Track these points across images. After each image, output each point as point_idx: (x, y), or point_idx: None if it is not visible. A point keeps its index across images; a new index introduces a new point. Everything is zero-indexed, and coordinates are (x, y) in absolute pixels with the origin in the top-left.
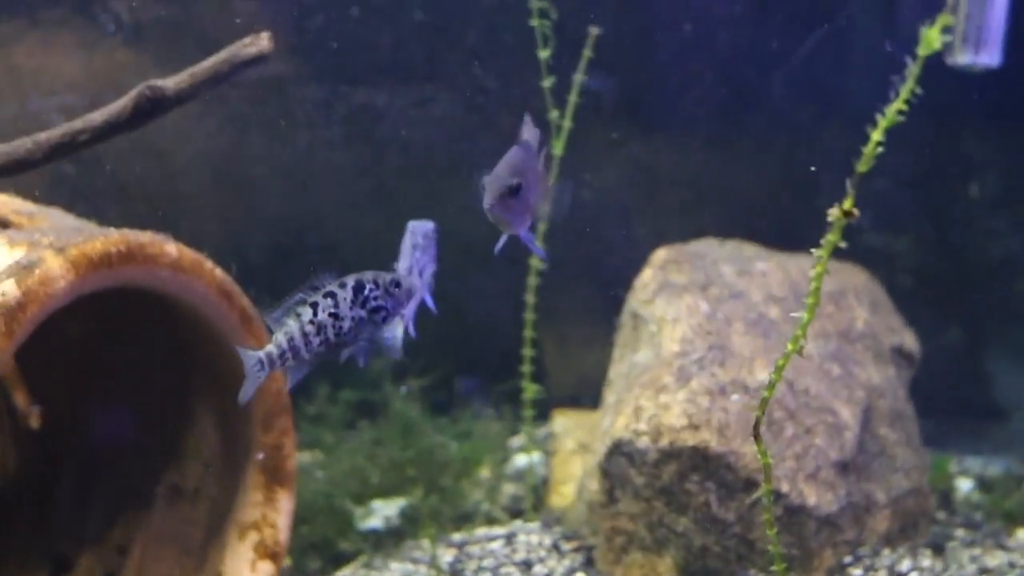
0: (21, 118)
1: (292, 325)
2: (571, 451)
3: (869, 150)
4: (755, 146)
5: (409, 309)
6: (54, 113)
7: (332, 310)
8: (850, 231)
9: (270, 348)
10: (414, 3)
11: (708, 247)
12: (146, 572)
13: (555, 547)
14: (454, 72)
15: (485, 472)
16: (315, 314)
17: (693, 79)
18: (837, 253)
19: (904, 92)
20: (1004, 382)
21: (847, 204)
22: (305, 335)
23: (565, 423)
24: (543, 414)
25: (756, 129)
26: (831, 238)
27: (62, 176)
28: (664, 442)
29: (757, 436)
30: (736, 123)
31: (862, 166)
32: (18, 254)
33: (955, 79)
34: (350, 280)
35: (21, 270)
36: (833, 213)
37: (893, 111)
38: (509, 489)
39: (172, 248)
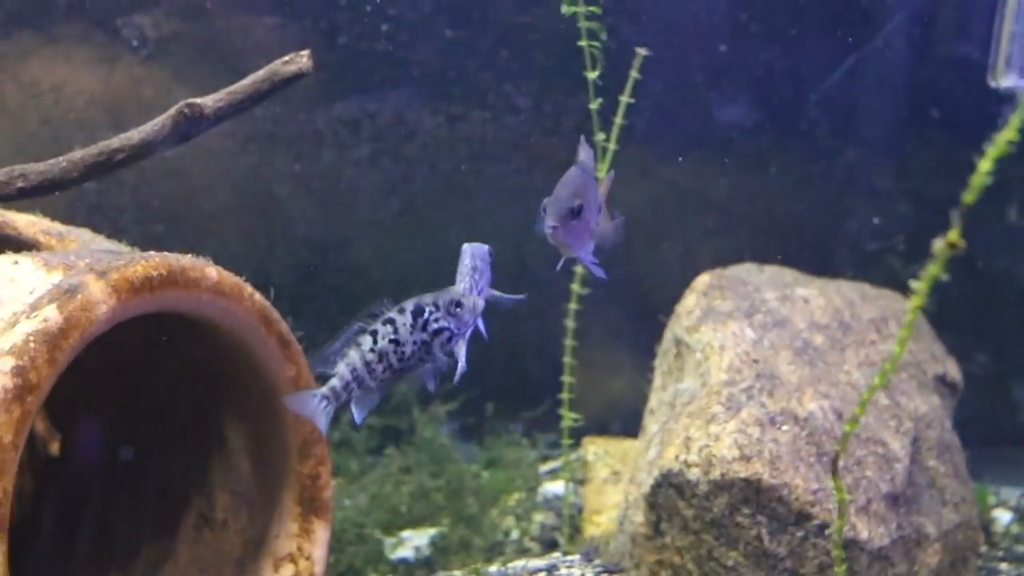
0: (39, 135)
1: (353, 355)
2: (604, 480)
3: (977, 181)
4: (785, 169)
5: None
6: (73, 130)
7: (392, 336)
8: (871, 258)
9: (334, 383)
10: (444, 20)
11: (748, 272)
12: None
13: None
14: (485, 90)
15: (513, 500)
16: (375, 342)
17: (725, 100)
18: (867, 279)
19: (1015, 121)
20: None
21: (953, 235)
22: (367, 364)
23: (596, 451)
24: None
25: (787, 152)
26: (934, 270)
27: (81, 194)
28: (715, 474)
29: (835, 472)
30: (767, 145)
31: (969, 197)
32: (56, 278)
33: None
34: (409, 304)
35: (62, 295)
36: (938, 244)
37: (1003, 141)
38: (537, 517)
39: (213, 272)
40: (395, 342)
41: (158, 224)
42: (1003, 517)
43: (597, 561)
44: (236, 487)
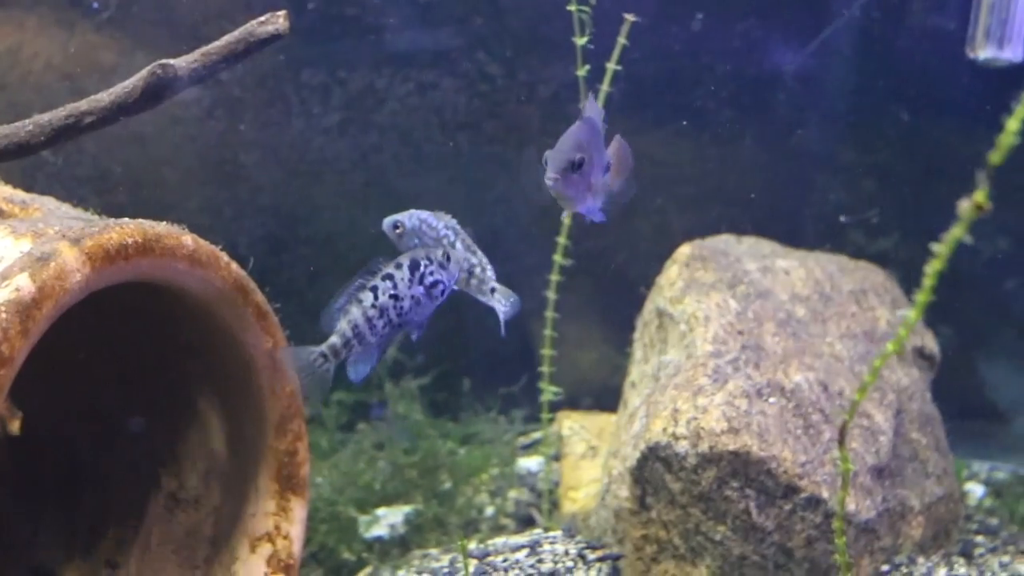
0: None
1: (355, 312)
2: (580, 455)
3: (1005, 141)
4: (757, 141)
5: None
6: (31, 96)
7: (392, 291)
8: (837, 230)
9: (333, 340)
10: None
11: (727, 243)
12: None
13: (581, 556)
14: (458, 58)
15: (488, 477)
16: (376, 298)
17: (702, 72)
18: (844, 252)
19: None
20: (1003, 385)
21: (979, 197)
22: (368, 320)
23: (572, 425)
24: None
25: (759, 124)
26: (956, 233)
27: (40, 162)
28: (704, 447)
29: (842, 442)
30: (738, 118)
31: (996, 157)
32: (24, 245)
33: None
34: (405, 260)
35: (35, 262)
36: (963, 206)
37: None
38: (512, 494)
39: (189, 240)
40: (394, 297)
41: (120, 193)
42: (976, 490)
43: (579, 537)
44: (209, 464)
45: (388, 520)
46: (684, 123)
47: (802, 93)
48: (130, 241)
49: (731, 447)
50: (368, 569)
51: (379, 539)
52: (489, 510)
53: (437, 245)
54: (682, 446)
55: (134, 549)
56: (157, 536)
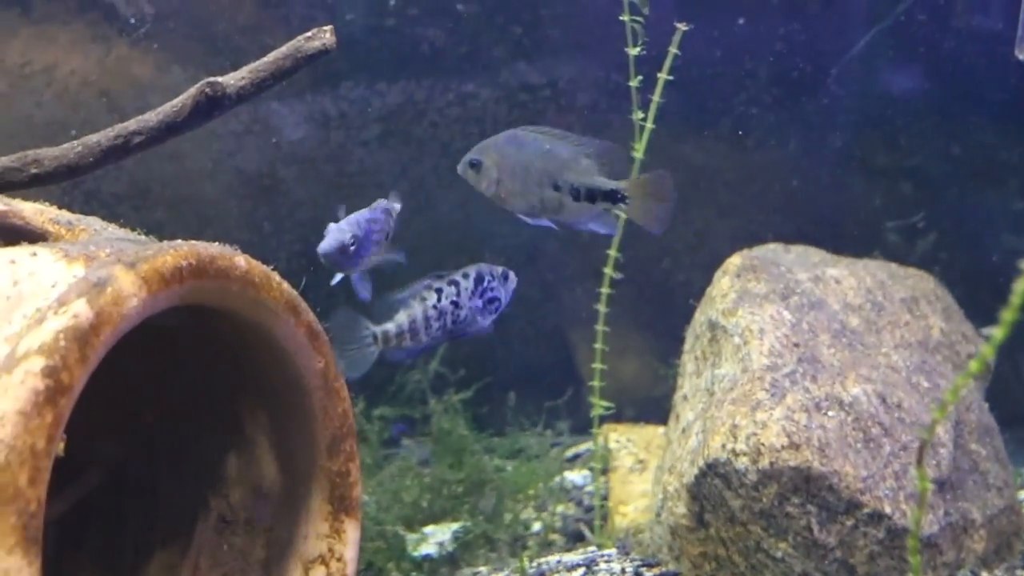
0: (31, 119)
1: (416, 308)
2: (629, 469)
3: None
4: (801, 146)
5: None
6: (67, 113)
7: (454, 298)
8: (872, 232)
9: (388, 326)
10: None
11: (775, 253)
12: None
13: (637, 575)
14: (497, 67)
15: (535, 492)
16: (439, 300)
17: (743, 77)
18: (894, 258)
19: None
20: None
21: None
22: (427, 319)
23: (619, 438)
24: (585, 428)
25: (804, 128)
26: None
27: (77, 180)
28: (764, 463)
29: (921, 461)
30: (779, 123)
31: None
32: (78, 270)
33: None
34: (472, 270)
35: (91, 288)
36: None
37: None
38: (558, 509)
39: (242, 261)
40: (455, 304)
41: (158, 210)
42: None
43: (633, 555)
44: (259, 486)
45: (436, 538)
46: (724, 129)
47: (845, 97)
48: (184, 264)
49: (792, 463)
50: None
51: (428, 557)
52: (536, 526)
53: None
54: (742, 462)
55: (182, 572)
56: (207, 559)
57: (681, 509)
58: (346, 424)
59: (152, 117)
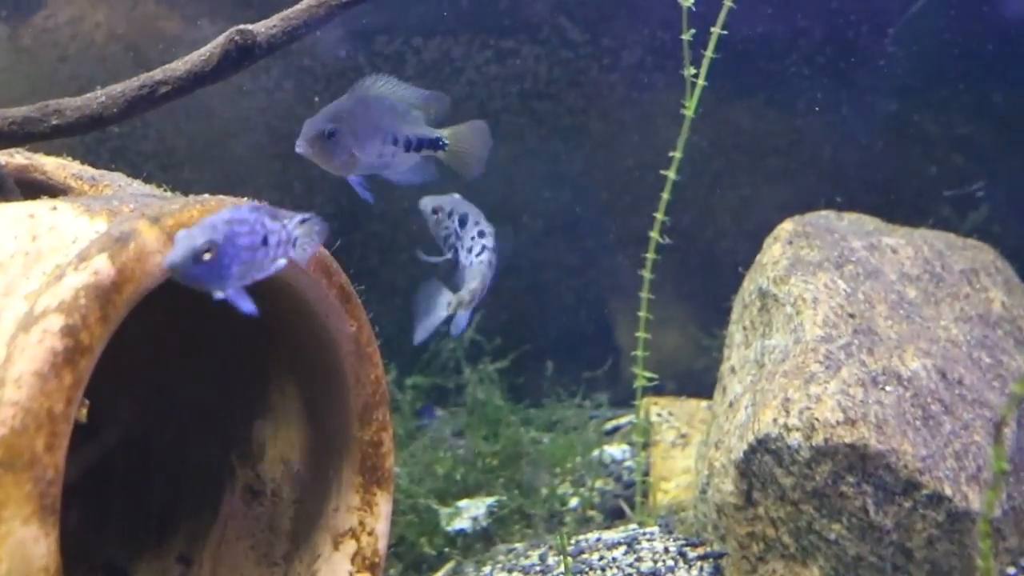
0: (57, 73)
1: (486, 272)
2: (670, 443)
3: None
4: (853, 110)
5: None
6: (94, 67)
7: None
8: (927, 202)
9: (463, 293)
10: None
11: (828, 220)
12: None
13: (681, 554)
14: (539, 23)
15: (572, 467)
16: (483, 252)
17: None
18: (950, 229)
19: None
20: None
21: None
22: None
23: (659, 411)
24: (624, 400)
25: (856, 92)
26: None
27: (103, 137)
28: (818, 439)
29: (999, 439)
30: (838, 85)
31: None
32: (100, 225)
33: None
34: (455, 216)
35: (114, 244)
36: None
37: None
38: (596, 484)
39: None
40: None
41: (185, 169)
42: None
43: (676, 533)
44: (288, 455)
45: (470, 512)
46: (773, 91)
47: (902, 59)
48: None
49: (848, 439)
50: (451, 564)
51: (462, 532)
52: (573, 501)
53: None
54: (794, 438)
55: (208, 544)
56: (233, 530)
57: (728, 486)
58: (379, 391)
59: (179, 66)
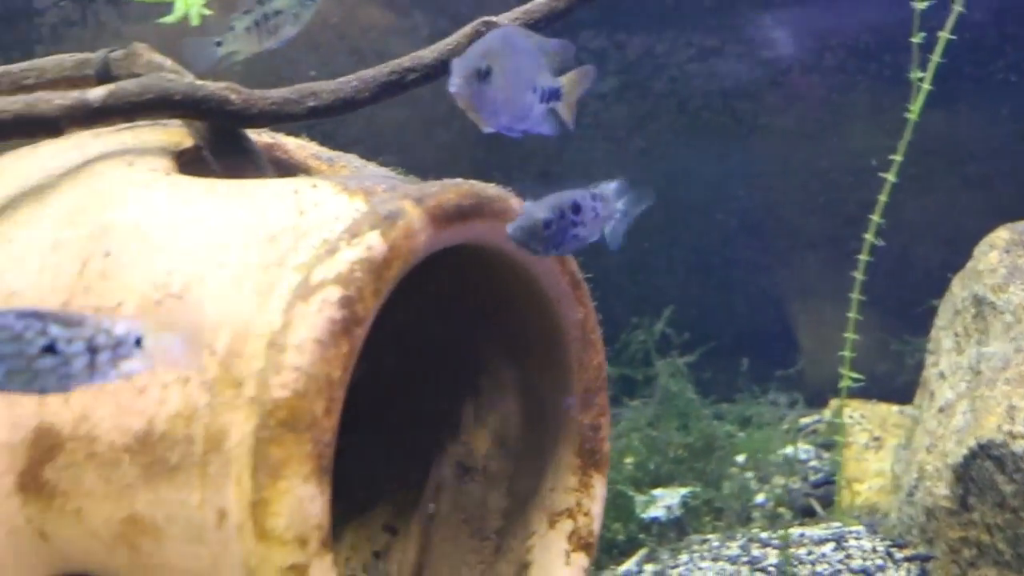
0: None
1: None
2: (863, 446)
3: None
4: None
5: None
6: (307, 53)
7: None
8: None
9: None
10: None
11: None
12: (430, 554)
13: (888, 555)
14: (741, 22)
15: (765, 462)
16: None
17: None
18: None
19: None
20: None
21: None
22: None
23: (852, 414)
24: (809, 401)
25: None
26: None
27: (314, 122)
28: None
29: None
30: None
31: None
32: (358, 203)
33: None
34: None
35: (383, 221)
36: None
37: None
38: (784, 482)
39: (516, 204)
40: None
41: (389, 154)
42: None
43: (881, 534)
44: (500, 434)
45: (664, 501)
46: (976, 98)
47: None
48: (466, 203)
49: None
50: (644, 551)
51: (656, 520)
52: (759, 497)
53: None
54: (1019, 445)
55: (415, 516)
56: (446, 504)
57: (942, 490)
58: (600, 377)
59: (427, 54)
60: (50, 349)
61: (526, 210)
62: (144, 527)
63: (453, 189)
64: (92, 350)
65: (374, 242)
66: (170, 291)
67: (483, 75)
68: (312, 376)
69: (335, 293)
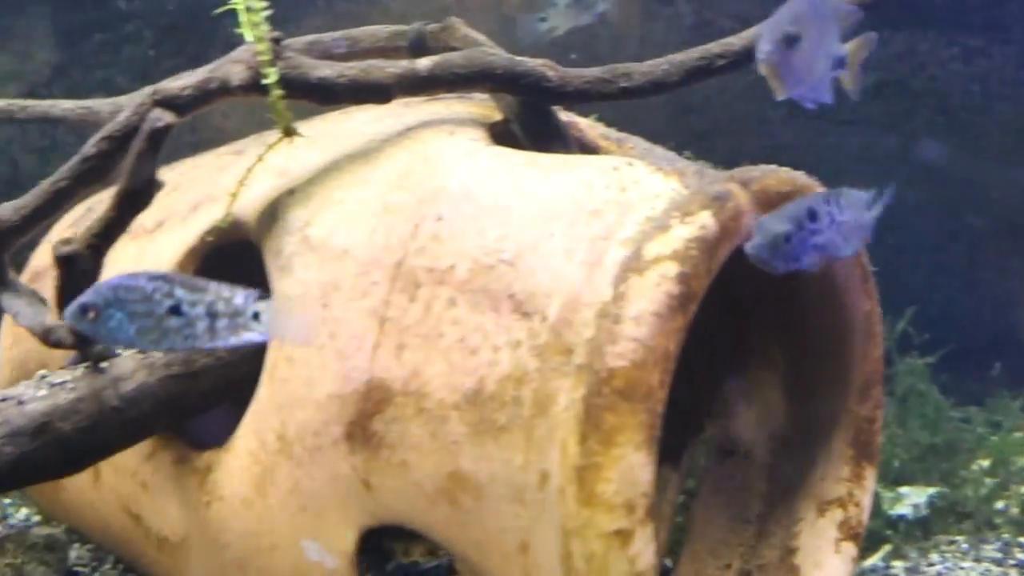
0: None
1: None
2: None
3: None
4: None
5: None
6: None
7: None
8: None
9: None
10: None
11: None
12: (693, 534)
13: None
14: (1010, 22)
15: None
16: None
17: None
18: None
19: None
20: None
21: None
22: None
23: None
24: None
25: None
26: None
27: None
28: None
29: None
30: None
31: None
32: (673, 183)
33: None
34: None
35: (713, 202)
36: None
37: None
38: (1019, 489)
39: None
40: None
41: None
42: None
43: None
44: (762, 420)
45: (911, 500)
46: None
47: None
48: (784, 189)
49: None
50: (888, 547)
51: (902, 518)
52: (999, 504)
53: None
54: None
55: (668, 493)
56: (709, 484)
57: None
58: (879, 371)
59: (736, 42)
60: (175, 311)
61: (761, 225)
62: (466, 484)
63: (773, 175)
64: (211, 315)
65: (707, 221)
66: (502, 257)
67: (791, 42)
68: (650, 348)
69: (673, 269)
